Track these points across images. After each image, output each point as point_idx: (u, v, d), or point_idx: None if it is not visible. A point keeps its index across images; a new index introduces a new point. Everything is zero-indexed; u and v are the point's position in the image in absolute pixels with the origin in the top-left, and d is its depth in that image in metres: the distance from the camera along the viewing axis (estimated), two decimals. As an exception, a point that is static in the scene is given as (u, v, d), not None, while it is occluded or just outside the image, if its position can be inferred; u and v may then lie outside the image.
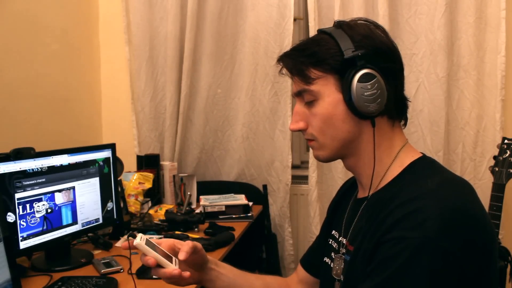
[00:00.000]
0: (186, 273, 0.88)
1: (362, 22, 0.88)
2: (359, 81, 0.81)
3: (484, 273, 0.75)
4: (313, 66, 0.84)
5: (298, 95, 0.89)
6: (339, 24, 0.87)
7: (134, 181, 2.05)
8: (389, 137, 0.88)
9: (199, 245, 0.95)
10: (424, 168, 0.85)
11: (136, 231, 1.81)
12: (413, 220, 0.73)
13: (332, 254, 0.96)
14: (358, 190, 0.96)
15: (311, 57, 0.85)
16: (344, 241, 0.93)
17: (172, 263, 0.87)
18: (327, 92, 0.84)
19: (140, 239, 0.86)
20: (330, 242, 1.00)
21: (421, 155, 0.89)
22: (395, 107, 0.86)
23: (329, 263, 0.97)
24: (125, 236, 1.74)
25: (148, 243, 0.87)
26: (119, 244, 1.71)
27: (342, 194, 1.06)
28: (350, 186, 1.04)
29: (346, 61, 0.82)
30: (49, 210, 1.48)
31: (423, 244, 0.71)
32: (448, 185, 0.79)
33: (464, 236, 0.72)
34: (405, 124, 0.91)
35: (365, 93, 0.81)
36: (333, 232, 1.00)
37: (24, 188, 1.40)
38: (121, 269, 1.44)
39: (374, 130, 0.85)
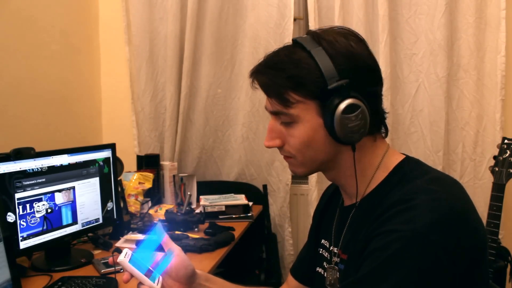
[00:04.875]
0: None
1: (342, 34, 0.81)
2: (344, 112, 0.77)
3: (476, 269, 0.75)
4: (293, 91, 0.79)
5: (273, 113, 0.85)
6: (318, 39, 0.80)
7: (134, 181, 2.05)
8: (372, 151, 0.86)
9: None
10: (412, 169, 0.84)
11: (129, 234, 1.81)
12: (405, 216, 0.73)
13: (325, 264, 0.95)
14: (344, 197, 0.94)
15: (290, 80, 0.79)
16: (336, 250, 0.91)
17: (155, 281, 0.85)
18: (307, 116, 0.80)
19: (124, 256, 0.84)
20: (321, 252, 0.98)
21: (403, 156, 0.87)
22: (376, 125, 0.84)
23: (322, 273, 0.95)
24: (121, 240, 1.74)
25: (134, 258, 0.85)
26: (119, 244, 1.71)
27: (327, 201, 1.03)
28: (334, 193, 1.01)
29: (330, 89, 0.77)
30: (49, 210, 1.48)
31: (414, 238, 0.70)
32: (438, 184, 0.78)
33: (456, 232, 0.72)
34: (386, 133, 0.88)
35: (349, 125, 0.77)
36: (323, 241, 0.98)
37: (24, 188, 1.40)
38: (121, 269, 1.44)
39: (354, 154, 0.83)
